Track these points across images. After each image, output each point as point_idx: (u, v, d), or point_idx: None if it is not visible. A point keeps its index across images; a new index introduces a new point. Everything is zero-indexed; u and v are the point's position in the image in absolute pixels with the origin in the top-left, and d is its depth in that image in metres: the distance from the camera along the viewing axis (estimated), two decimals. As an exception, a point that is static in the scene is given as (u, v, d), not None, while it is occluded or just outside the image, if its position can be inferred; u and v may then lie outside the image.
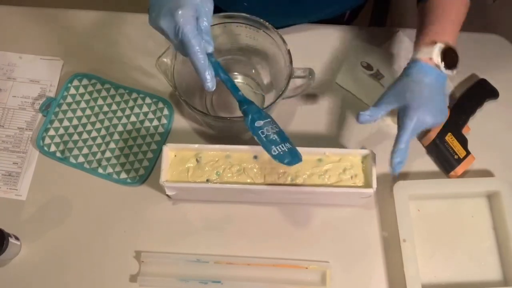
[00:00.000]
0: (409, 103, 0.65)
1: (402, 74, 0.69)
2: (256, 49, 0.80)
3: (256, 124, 0.64)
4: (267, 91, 0.83)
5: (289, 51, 0.73)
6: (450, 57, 0.67)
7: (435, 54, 0.66)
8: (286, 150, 0.63)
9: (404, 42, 0.89)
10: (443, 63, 0.66)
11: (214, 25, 0.73)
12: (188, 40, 0.58)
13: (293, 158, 0.62)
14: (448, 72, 0.67)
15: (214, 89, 0.62)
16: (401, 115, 0.66)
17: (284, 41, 0.73)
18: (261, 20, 0.73)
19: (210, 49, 0.62)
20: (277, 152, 0.62)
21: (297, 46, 0.89)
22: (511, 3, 1.81)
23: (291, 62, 0.72)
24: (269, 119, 0.65)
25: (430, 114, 0.65)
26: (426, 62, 0.66)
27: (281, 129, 0.65)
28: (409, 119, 0.64)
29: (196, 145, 0.71)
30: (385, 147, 0.80)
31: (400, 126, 0.66)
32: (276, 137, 0.63)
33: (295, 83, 0.76)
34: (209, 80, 0.61)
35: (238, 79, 0.85)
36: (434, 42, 0.66)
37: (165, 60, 0.71)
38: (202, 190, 0.71)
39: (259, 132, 0.63)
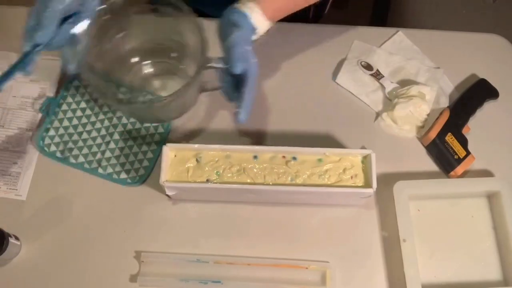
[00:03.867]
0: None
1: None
2: (180, 38, 0.78)
3: None
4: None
5: (203, 39, 0.70)
6: None
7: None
8: None
9: (404, 42, 0.89)
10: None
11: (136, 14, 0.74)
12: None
13: None
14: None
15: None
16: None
17: (200, 29, 0.70)
18: (180, 5, 0.71)
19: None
20: None
21: (297, 46, 0.89)
22: (511, 3, 1.81)
23: (204, 51, 0.69)
24: None
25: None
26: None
27: None
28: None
29: (196, 145, 0.71)
30: (385, 147, 0.80)
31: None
32: None
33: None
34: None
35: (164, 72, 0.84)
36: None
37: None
38: (202, 190, 0.71)
39: None
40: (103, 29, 0.73)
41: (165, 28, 0.78)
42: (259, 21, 0.65)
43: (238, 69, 0.62)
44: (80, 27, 0.63)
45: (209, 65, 0.69)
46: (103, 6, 0.69)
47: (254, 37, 0.65)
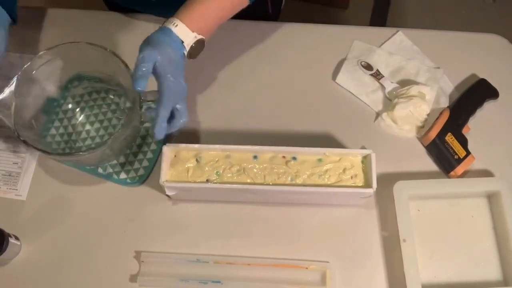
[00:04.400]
0: None
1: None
2: (110, 75, 0.78)
3: None
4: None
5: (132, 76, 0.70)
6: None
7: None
8: None
9: (404, 42, 0.89)
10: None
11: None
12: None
13: None
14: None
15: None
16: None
17: (126, 66, 0.72)
18: (105, 47, 0.73)
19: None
20: None
21: (297, 46, 0.89)
22: (511, 3, 1.81)
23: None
24: None
25: None
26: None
27: None
28: None
29: (196, 145, 0.71)
30: (385, 147, 0.80)
31: None
32: None
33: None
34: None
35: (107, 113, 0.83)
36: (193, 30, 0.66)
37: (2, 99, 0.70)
38: (202, 190, 0.71)
39: None
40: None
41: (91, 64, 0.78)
42: (184, 33, 0.66)
43: (135, 86, 0.62)
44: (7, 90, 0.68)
45: (142, 98, 0.71)
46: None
47: (183, 50, 0.66)
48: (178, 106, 0.67)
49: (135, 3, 0.90)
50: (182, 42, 0.66)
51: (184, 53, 0.67)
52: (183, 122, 0.68)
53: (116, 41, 0.89)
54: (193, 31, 0.66)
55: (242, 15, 0.89)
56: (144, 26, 0.90)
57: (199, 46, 0.68)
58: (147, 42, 0.65)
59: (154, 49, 0.63)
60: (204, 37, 0.68)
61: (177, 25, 0.66)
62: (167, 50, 0.64)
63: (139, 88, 0.62)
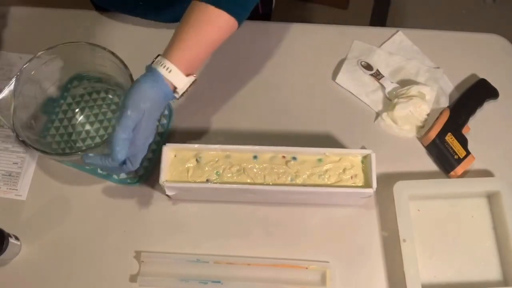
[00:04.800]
0: None
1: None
2: (110, 75, 0.78)
3: None
4: None
5: (131, 76, 0.71)
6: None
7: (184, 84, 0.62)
8: None
9: (404, 42, 0.89)
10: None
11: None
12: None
13: None
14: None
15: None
16: None
17: (125, 66, 0.71)
18: (105, 47, 0.72)
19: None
20: None
21: (297, 46, 0.89)
22: (511, 3, 1.81)
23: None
24: None
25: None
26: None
27: None
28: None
29: (196, 145, 0.71)
30: (385, 147, 0.80)
31: None
32: None
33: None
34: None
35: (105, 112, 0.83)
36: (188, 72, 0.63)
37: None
38: (202, 190, 0.71)
39: None
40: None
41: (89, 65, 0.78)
42: (178, 79, 0.62)
43: (116, 157, 0.60)
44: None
45: None
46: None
47: (173, 96, 0.63)
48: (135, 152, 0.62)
49: (123, 9, 0.90)
50: (176, 88, 0.62)
51: (174, 97, 0.63)
52: (130, 169, 0.63)
53: (116, 41, 0.89)
54: (187, 75, 0.62)
55: None
56: (144, 26, 0.90)
57: (190, 86, 0.64)
58: (135, 95, 0.60)
59: (139, 112, 0.59)
60: (196, 77, 0.64)
61: (170, 71, 0.61)
62: (155, 104, 0.61)
63: (119, 158, 0.59)
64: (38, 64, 0.73)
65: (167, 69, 0.61)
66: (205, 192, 0.73)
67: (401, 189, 0.74)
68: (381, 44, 0.89)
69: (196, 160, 0.71)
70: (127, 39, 0.89)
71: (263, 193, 0.71)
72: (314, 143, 0.72)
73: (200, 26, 0.63)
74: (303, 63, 0.88)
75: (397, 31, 0.90)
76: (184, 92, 0.63)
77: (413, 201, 0.76)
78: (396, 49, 0.89)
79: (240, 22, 0.66)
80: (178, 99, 0.64)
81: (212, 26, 0.64)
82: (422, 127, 0.81)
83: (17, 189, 0.78)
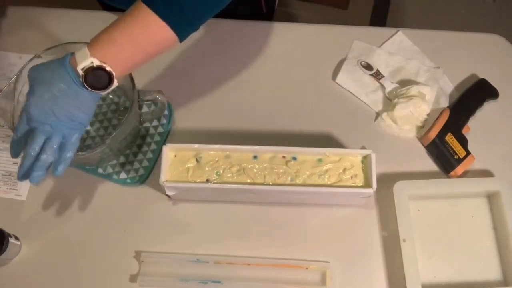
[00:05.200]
0: None
1: None
2: None
3: None
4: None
5: (131, 76, 0.70)
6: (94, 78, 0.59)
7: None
8: None
9: (404, 42, 0.89)
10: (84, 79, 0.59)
11: None
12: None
13: None
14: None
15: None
16: None
17: None
18: None
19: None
20: None
21: (297, 46, 0.89)
22: (511, 3, 1.81)
23: (133, 86, 0.70)
24: None
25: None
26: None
27: None
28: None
29: (196, 145, 0.71)
30: (385, 147, 0.80)
31: None
32: None
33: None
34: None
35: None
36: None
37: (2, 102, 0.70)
38: (202, 190, 0.71)
39: None
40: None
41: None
42: (81, 57, 0.58)
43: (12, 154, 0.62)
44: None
45: (141, 98, 0.71)
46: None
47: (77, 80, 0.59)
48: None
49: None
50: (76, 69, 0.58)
51: (80, 82, 0.58)
52: (69, 156, 0.61)
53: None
54: (93, 56, 0.58)
55: (235, 15, 0.89)
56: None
57: (101, 77, 0.59)
58: (33, 82, 0.59)
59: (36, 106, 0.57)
60: (106, 66, 0.58)
61: (79, 50, 0.58)
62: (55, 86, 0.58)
63: (34, 181, 0.59)
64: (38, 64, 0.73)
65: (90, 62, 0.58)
66: (205, 192, 0.73)
67: (401, 189, 0.74)
68: (381, 44, 0.89)
69: (196, 160, 0.71)
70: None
71: (263, 193, 0.71)
72: (314, 143, 0.72)
73: (137, 34, 0.59)
74: (303, 63, 0.88)
75: (397, 31, 0.90)
76: (91, 81, 0.59)
77: (413, 201, 0.76)
78: (396, 49, 0.89)
79: (181, 39, 0.61)
80: (85, 86, 0.59)
81: (150, 37, 0.60)
82: (422, 127, 0.81)
83: (17, 189, 0.78)
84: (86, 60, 0.58)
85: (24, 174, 0.60)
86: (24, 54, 0.88)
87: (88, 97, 0.60)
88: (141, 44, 0.60)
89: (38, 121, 0.59)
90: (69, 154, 0.61)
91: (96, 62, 0.58)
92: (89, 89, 0.59)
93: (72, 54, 0.60)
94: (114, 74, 0.59)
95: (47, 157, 0.59)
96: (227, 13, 0.91)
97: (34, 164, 0.60)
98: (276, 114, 0.83)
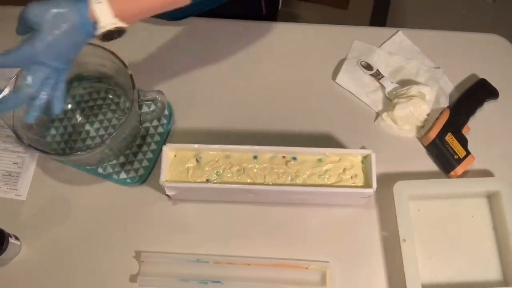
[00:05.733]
0: None
1: None
2: (110, 75, 0.78)
3: None
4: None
5: (131, 76, 0.71)
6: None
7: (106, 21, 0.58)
8: None
9: (404, 42, 0.89)
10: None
11: None
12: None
13: None
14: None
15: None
16: None
17: (125, 66, 0.71)
18: (105, 47, 0.71)
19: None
20: None
21: (297, 46, 0.89)
22: (511, 3, 1.81)
23: (133, 86, 0.70)
24: None
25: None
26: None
27: None
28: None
29: (196, 145, 0.71)
30: (385, 147, 0.80)
31: None
32: None
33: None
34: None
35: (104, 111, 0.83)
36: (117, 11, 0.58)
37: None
38: (202, 190, 0.71)
39: None
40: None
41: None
42: (103, 14, 0.57)
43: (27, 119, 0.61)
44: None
45: (141, 98, 0.71)
46: None
47: (95, 32, 0.59)
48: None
49: None
50: (95, 23, 0.57)
51: (91, 29, 0.58)
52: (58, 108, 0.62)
53: (116, 41, 0.89)
54: (115, 16, 0.58)
55: (236, 17, 0.89)
56: (143, 26, 0.90)
57: (115, 33, 0.60)
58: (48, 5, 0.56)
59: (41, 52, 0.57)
60: (126, 28, 0.60)
61: (100, 2, 0.57)
62: (64, 22, 0.56)
63: (30, 121, 0.60)
64: None
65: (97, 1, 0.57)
66: (205, 192, 0.73)
67: (401, 189, 0.74)
68: (381, 44, 0.89)
69: (196, 160, 0.71)
70: (127, 39, 0.89)
71: (263, 193, 0.71)
72: (314, 143, 0.72)
73: None
74: (303, 63, 0.88)
75: (397, 31, 0.90)
76: (106, 35, 0.59)
77: (413, 201, 0.76)
78: (396, 49, 0.89)
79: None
80: (95, 37, 0.59)
81: None
82: (422, 127, 0.81)
83: (17, 189, 0.78)
84: (108, 19, 0.57)
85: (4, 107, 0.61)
86: (24, 54, 0.88)
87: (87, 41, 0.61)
88: (159, 4, 0.61)
89: (41, 63, 0.59)
90: (61, 92, 0.62)
91: (118, 24, 0.58)
92: (99, 39, 0.60)
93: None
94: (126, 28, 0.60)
95: (45, 96, 0.61)
96: (227, 15, 0.91)
97: (32, 104, 0.60)
98: (276, 114, 0.83)
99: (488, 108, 0.83)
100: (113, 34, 0.60)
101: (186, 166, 0.71)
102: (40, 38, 0.57)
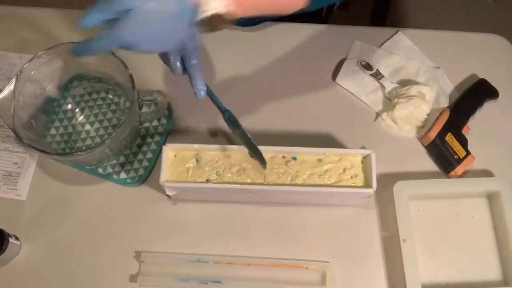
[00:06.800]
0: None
1: None
2: (110, 75, 0.78)
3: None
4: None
5: (131, 76, 0.71)
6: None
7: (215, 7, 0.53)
8: None
9: (404, 42, 0.89)
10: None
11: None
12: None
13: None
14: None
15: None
16: None
17: (125, 66, 0.71)
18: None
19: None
20: None
21: (297, 46, 0.89)
22: (511, 3, 1.81)
23: (133, 86, 0.70)
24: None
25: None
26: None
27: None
28: None
29: (196, 145, 0.71)
30: (385, 147, 0.80)
31: None
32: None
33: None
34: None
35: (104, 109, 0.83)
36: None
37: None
38: (202, 190, 0.71)
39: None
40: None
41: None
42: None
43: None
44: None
45: (141, 98, 0.71)
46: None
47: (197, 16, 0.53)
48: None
49: None
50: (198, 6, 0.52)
51: (192, 11, 0.52)
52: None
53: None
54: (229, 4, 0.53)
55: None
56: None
57: (221, 20, 0.55)
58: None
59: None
60: (236, 12, 0.54)
61: None
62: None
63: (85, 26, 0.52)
64: (38, 64, 0.73)
65: None
66: (205, 192, 0.73)
67: (401, 189, 0.74)
68: (381, 44, 0.89)
69: (196, 160, 0.71)
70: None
71: (263, 193, 0.71)
72: (314, 143, 0.72)
73: None
74: (303, 63, 0.88)
75: (397, 31, 0.90)
76: (206, 21, 0.54)
77: (413, 201, 0.76)
78: (396, 49, 0.88)
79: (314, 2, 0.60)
80: (197, 23, 0.54)
81: None
82: (422, 127, 0.81)
83: (17, 189, 0.78)
84: (213, 2, 0.53)
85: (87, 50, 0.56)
86: (24, 54, 0.88)
87: None
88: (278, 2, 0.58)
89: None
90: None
91: (223, 10, 0.53)
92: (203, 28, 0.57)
93: None
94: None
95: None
96: None
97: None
98: (276, 114, 0.83)
99: (488, 108, 0.83)
100: (216, 22, 0.56)
101: (186, 166, 0.71)
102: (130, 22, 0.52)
